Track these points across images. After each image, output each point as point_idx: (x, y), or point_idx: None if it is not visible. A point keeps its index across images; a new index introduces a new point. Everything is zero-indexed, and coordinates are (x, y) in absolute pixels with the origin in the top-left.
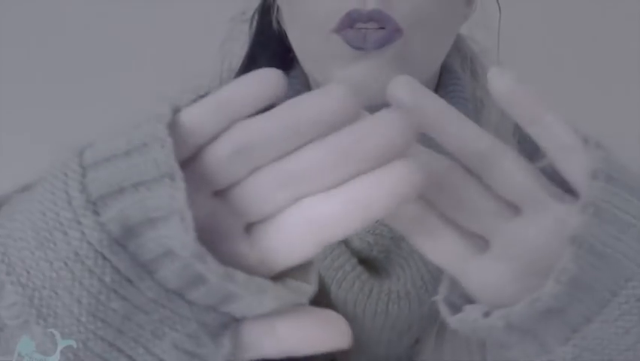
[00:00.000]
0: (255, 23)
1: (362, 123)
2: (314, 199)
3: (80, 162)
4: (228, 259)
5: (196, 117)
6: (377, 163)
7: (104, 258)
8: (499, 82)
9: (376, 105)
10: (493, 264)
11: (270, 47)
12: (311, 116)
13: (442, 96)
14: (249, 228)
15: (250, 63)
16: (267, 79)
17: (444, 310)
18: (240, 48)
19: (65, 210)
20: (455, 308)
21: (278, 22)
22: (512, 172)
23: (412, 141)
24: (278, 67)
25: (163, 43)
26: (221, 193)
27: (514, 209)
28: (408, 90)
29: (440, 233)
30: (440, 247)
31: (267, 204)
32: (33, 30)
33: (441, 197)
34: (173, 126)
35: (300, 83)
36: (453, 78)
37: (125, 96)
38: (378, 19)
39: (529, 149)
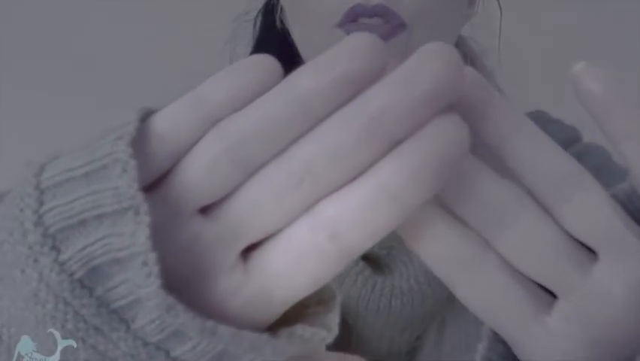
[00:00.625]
0: (258, 23)
1: (400, 71)
2: (334, 197)
3: (37, 184)
4: (219, 295)
5: (171, 119)
6: (424, 119)
7: (66, 303)
8: (592, 80)
9: None
10: (563, 327)
11: (274, 47)
12: (328, 80)
13: None
14: (245, 252)
15: None
16: (258, 66)
17: None
18: (244, 48)
19: (20, 244)
20: None
21: (281, 22)
22: (590, 206)
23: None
24: (281, 66)
25: (166, 43)
26: (210, 210)
27: (590, 255)
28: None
29: (500, 285)
30: (500, 304)
31: (272, 216)
32: (33, 31)
33: (499, 236)
34: (143, 136)
35: None
36: None
37: (126, 97)
38: (383, 14)
39: None
